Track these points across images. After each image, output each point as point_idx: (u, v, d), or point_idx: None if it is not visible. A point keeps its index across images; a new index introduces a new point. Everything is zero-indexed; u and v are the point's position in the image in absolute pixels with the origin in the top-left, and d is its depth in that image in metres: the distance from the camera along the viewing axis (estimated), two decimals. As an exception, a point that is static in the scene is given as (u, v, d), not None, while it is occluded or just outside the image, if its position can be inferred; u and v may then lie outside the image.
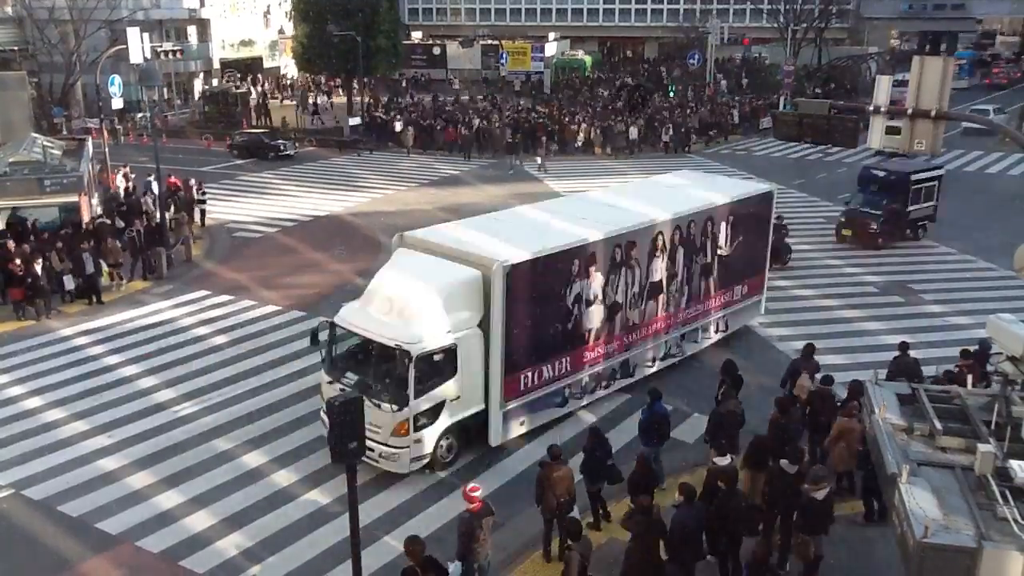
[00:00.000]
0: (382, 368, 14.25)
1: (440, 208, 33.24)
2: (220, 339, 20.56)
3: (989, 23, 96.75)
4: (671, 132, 45.11)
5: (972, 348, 15.76)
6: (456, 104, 55.17)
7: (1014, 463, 8.46)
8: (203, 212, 30.41)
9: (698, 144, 46.73)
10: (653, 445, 14.02)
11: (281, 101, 59.92)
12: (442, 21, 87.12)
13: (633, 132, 44.98)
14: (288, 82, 66.33)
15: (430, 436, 14.24)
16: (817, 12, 63.76)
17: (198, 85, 59.14)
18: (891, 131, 14.50)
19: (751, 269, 20.04)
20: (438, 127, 46.60)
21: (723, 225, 18.78)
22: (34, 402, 17.41)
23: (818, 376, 15.61)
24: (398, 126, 46.71)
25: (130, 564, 12.56)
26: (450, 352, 14.11)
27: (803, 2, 62.43)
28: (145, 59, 32.50)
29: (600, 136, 45.12)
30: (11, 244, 23.03)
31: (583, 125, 46.02)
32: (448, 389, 14.26)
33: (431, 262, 14.95)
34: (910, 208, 28.21)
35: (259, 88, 60.76)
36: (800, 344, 19.74)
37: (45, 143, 28.90)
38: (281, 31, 69.18)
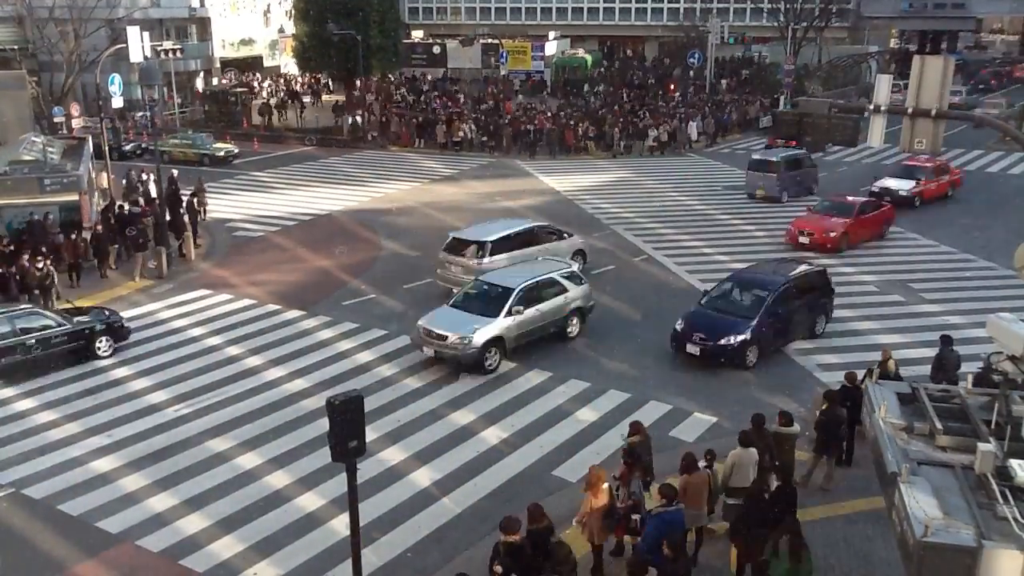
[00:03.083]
0: None
1: (439, 208, 33.28)
2: (219, 339, 20.56)
3: (989, 23, 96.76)
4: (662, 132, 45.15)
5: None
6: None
7: (1014, 462, 8.45)
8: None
9: (699, 143, 46.76)
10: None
11: (285, 104, 59.84)
12: (442, 20, 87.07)
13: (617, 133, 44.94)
14: (295, 82, 66.11)
15: None
16: (817, 11, 63.73)
17: (199, 84, 59.12)
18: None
19: None
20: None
21: None
22: (34, 401, 17.41)
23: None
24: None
25: (130, 563, 12.56)
26: None
27: (803, 1, 62.38)
28: (145, 58, 32.42)
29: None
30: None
31: (580, 127, 45.98)
32: None
33: None
34: None
35: (265, 88, 60.81)
36: (800, 344, 19.87)
37: (44, 142, 28.87)
38: (281, 30, 69.11)
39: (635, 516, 11.47)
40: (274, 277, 25.25)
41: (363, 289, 24.07)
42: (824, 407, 14.10)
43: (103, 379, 18.44)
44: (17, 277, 21.03)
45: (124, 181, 32.31)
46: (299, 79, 64.44)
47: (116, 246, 25.78)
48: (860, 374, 15.04)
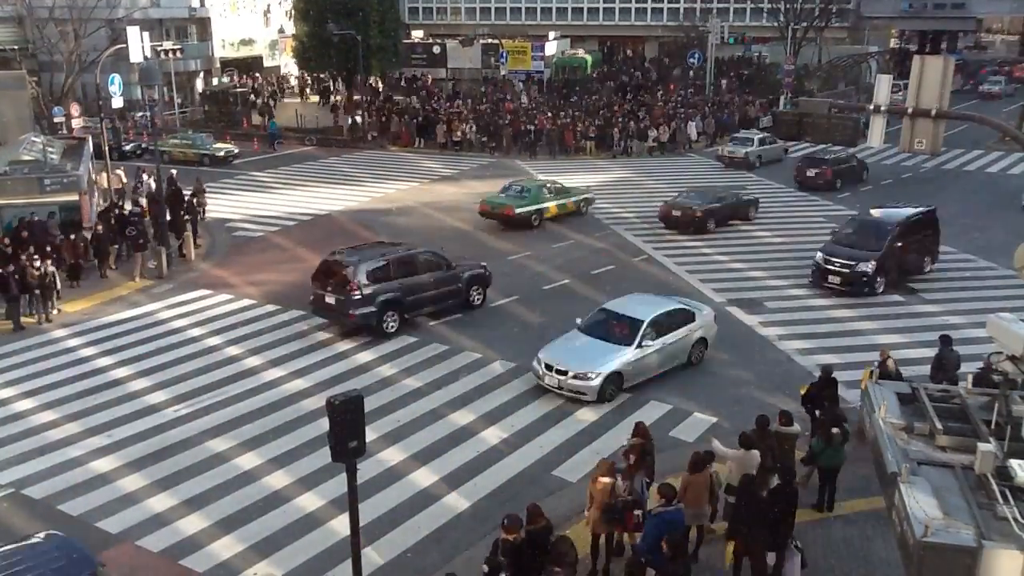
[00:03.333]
0: None
1: (439, 208, 33.29)
2: (219, 339, 20.56)
3: (989, 23, 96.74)
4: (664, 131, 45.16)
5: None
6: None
7: (1014, 462, 8.45)
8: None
9: (699, 143, 46.75)
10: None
11: (301, 97, 60.05)
12: (442, 20, 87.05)
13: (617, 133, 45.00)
14: (293, 81, 66.23)
15: None
16: (817, 11, 63.72)
17: (199, 84, 59.16)
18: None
19: None
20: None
21: None
22: (34, 401, 17.40)
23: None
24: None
25: (130, 563, 12.54)
26: None
27: (803, 1, 62.36)
28: (145, 58, 32.41)
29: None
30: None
31: (579, 127, 45.93)
32: None
33: None
34: None
35: (264, 88, 60.89)
36: (800, 344, 19.89)
37: (44, 143, 28.88)
38: (281, 30, 69.12)
39: (636, 512, 11.50)
40: (274, 277, 25.24)
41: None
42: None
43: (103, 379, 18.44)
44: (16, 277, 21.02)
45: (135, 181, 32.38)
46: (285, 79, 64.74)
47: (116, 246, 25.80)
48: (860, 374, 15.09)
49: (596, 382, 16.71)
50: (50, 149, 27.85)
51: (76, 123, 35.51)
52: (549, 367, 17.22)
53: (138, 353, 19.79)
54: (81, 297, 23.39)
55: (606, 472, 11.63)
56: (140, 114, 48.36)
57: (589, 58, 69.31)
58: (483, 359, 19.35)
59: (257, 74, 63.97)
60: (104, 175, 31.46)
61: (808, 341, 20.12)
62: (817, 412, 14.81)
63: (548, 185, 31.98)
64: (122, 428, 16.29)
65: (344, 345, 20.18)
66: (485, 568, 10.23)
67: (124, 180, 32.98)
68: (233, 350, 19.93)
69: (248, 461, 15.13)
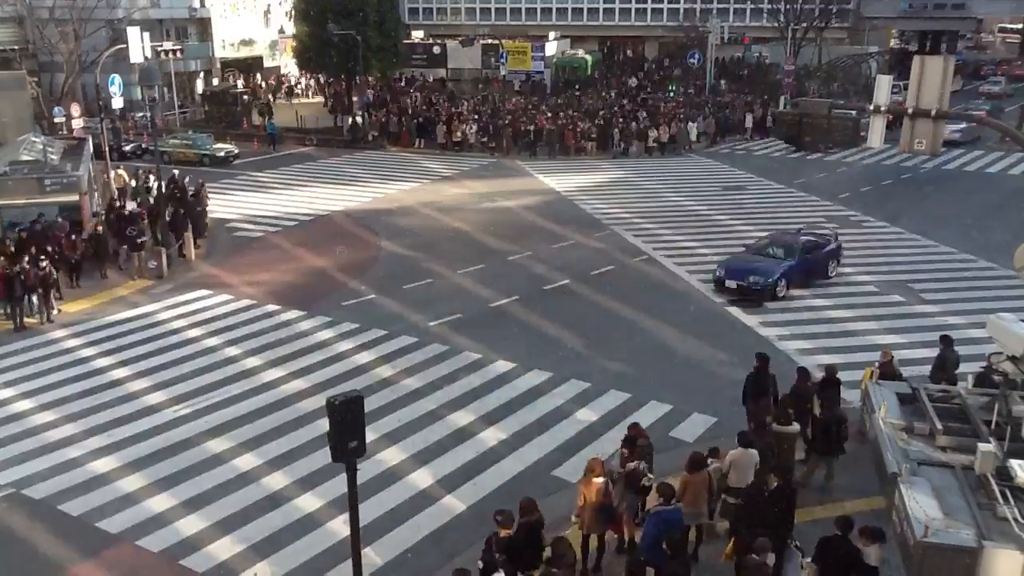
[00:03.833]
0: None
1: (439, 208, 33.30)
2: (219, 339, 20.55)
3: (990, 23, 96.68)
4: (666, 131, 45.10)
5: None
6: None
7: (1014, 462, 8.46)
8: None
9: (699, 144, 46.74)
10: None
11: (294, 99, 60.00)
12: (442, 20, 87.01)
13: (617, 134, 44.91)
14: (293, 82, 66.22)
15: None
16: (817, 12, 63.72)
17: (199, 85, 59.18)
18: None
19: None
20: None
21: None
22: (34, 402, 17.40)
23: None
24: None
25: (130, 563, 12.55)
26: None
27: (803, 1, 62.37)
28: (145, 58, 32.43)
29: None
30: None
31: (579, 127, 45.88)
32: None
33: None
34: None
35: (263, 88, 60.89)
36: (800, 344, 19.88)
37: (44, 143, 28.88)
38: (281, 30, 69.11)
39: (647, 476, 11.64)
40: (274, 277, 25.24)
41: (363, 290, 24.06)
42: (822, 406, 14.20)
43: (103, 379, 18.43)
44: (21, 278, 21.04)
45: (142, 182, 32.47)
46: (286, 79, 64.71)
47: (124, 246, 25.76)
48: (860, 374, 15.09)
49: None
50: (50, 149, 27.84)
51: (76, 123, 35.51)
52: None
53: (138, 353, 19.79)
54: (81, 297, 23.40)
55: (600, 472, 11.64)
56: (140, 114, 48.40)
57: (589, 58, 69.27)
58: (483, 359, 19.35)
59: (258, 75, 64.02)
60: (104, 175, 31.48)
61: (808, 341, 20.11)
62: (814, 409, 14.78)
63: None
64: (122, 428, 16.29)
65: (344, 345, 20.18)
66: (480, 565, 10.24)
67: (127, 179, 32.98)
68: (233, 350, 19.92)
69: (248, 462, 15.13)
